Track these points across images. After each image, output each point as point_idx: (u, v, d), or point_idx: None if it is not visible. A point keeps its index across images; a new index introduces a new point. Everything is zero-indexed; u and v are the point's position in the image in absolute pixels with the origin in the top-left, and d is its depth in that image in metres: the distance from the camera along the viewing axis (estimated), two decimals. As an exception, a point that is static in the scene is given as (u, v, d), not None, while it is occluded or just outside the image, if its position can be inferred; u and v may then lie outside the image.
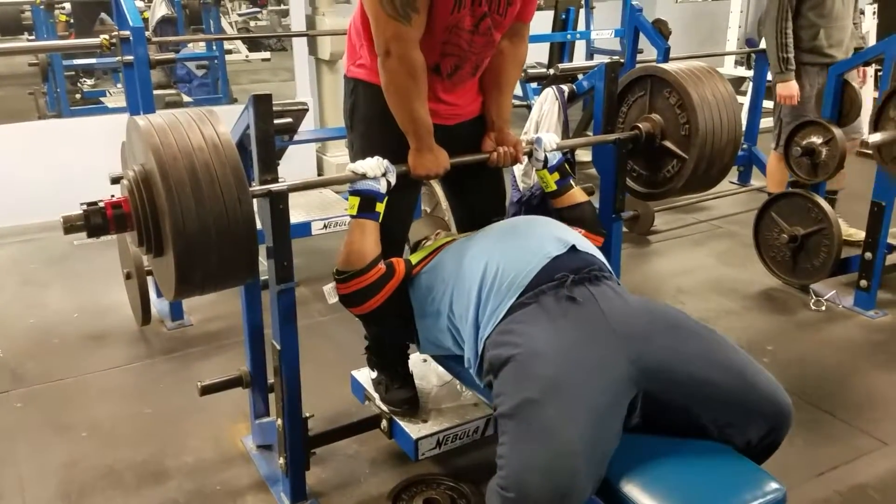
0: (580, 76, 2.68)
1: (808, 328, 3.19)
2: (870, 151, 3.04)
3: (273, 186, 1.75)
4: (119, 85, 6.88)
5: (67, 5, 7.34)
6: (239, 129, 1.91)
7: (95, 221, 1.62)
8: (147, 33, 2.95)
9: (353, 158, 1.95)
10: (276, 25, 10.03)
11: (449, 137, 1.95)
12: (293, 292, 1.87)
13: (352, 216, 1.86)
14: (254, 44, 9.16)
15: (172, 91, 6.62)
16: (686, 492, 1.48)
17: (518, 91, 6.12)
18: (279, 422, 1.99)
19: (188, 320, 3.24)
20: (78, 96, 6.80)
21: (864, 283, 3.27)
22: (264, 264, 1.86)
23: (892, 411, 2.59)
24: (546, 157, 2.08)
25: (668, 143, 2.25)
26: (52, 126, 5.32)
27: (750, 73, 6.00)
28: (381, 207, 1.86)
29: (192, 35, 7.48)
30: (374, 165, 1.83)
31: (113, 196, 1.66)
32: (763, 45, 5.09)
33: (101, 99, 6.79)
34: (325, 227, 3.33)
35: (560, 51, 6.30)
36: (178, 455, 2.37)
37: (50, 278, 3.73)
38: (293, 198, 1.82)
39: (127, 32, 2.91)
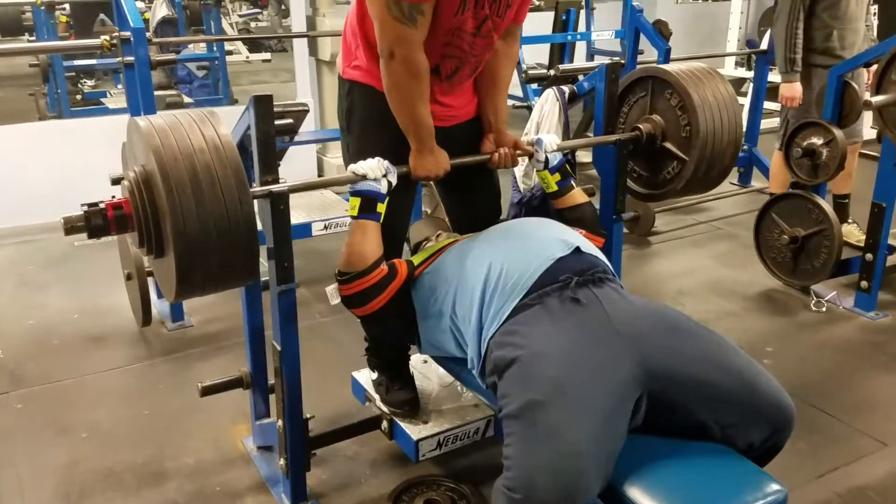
0: (581, 77, 2.69)
1: (809, 329, 3.19)
2: (872, 153, 3.03)
3: (274, 187, 1.75)
4: (119, 86, 6.88)
5: (68, 6, 7.34)
6: (240, 130, 1.91)
7: (96, 222, 1.62)
8: (147, 34, 2.95)
9: (349, 161, 1.94)
10: (276, 26, 10.04)
11: (445, 139, 1.95)
12: (294, 293, 1.87)
13: (353, 217, 1.86)
14: (254, 45, 9.16)
15: (173, 92, 6.62)
16: (686, 493, 1.48)
17: (519, 92, 6.13)
18: (280, 423, 1.99)
19: (189, 321, 3.24)
20: (78, 97, 6.81)
21: (864, 284, 3.27)
22: (265, 265, 1.86)
23: (892, 413, 2.59)
24: (547, 157, 2.08)
25: (668, 145, 2.25)
26: (52, 127, 5.32)
27: (750, 75, 6.00)
28: (382, 208, 1.86)
29: (192, 36, 7.49)
30: (374, 166, 1.83)
31: (113, 197, 1.66)
32: (764, 45, 5.12)
33: (102, 100, 6.80)
34: (325, 228, 3.33)
35: (560, 52, 6.31)
36: (178, 456, 2.37)
37: (50, 279, 3.73)
38: (294, 198, 1.82)
39: (128, 33, 2.91)
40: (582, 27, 6.50)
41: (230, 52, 8.01)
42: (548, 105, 2.50)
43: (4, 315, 3.36)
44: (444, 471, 2.25)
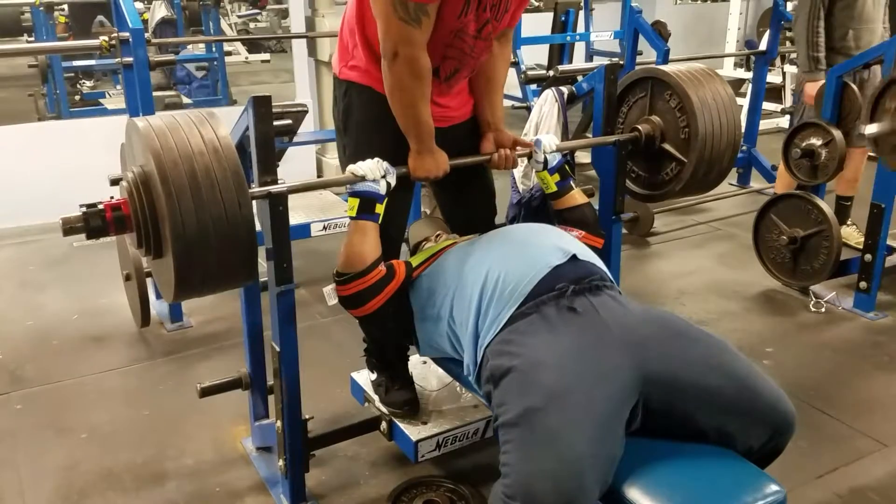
0: (580, 78, 2.69)
1: (808, 330, 3.19)
2: (871, 154, 3.03)
3: (272, 188, 1.75)
4: (118, 86, 6.89)
5: (66, 7, 7.34)
6: (238, 131, 1.90)
7: (95, 223, 1.62)
8: (146, 35, 2.95)
9: (347, 162, 1.94)
10: (275, 27, 10.04)
11: (442, 140, 1.95)
12: (293, 294, 1.87)
13: (351, 218, 1.86)
14: (253, 45, 9.17)
15: (172, 93, 6.63)
16: (685, 494, 1.48)
17: (518, 93, 6.13)
18: (279, 423, 1.99)
19: (188, 322, 3.23)
20: (77, 98, 6.81)
21: (863, 284, 3.27)
22: (264, 266, 1.86)
23: (891, 413, 2.59)
24: (546, 158, 2.08)
25: (667, 146, 2.25)
26: (51, 127, 5.33)
27: (749, 75, 6.00)
28: (380, 209, 1.86)
29: (191, 37, 7.49)
30: (373, 167, 1.83)
31: (112, 198, 1.65)
32: (762, 46, 5.12)
33: (101, 100, 6.81)
34: (324, 228, 3.33)
35: (560, 52, 6.31)
36: (177, 457, 2.37)
37: (49, 280, 3.73)
38: (293, 199, 1.82)
39: (126, 34, 2.91)
40: (581, 28, 6.51)
41: (229, 53, 8.01)
42: (547, 106, 2.50)
43: (4, 316, 3.36)
44: (444, 471, 2.25)
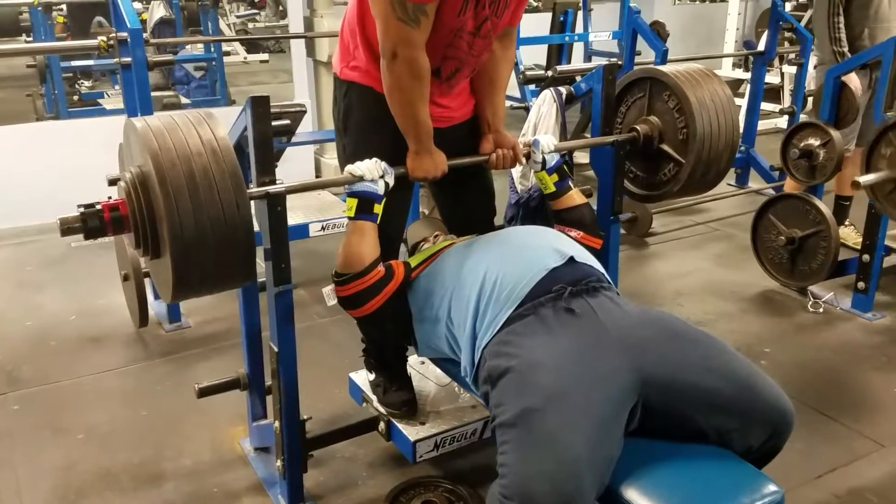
0: (578, 78, 2.68)
1: (806, 330, 3.20)
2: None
3: (271, 188, 1.74)
4: (117, 87, 6.88)
5: (65, 7, 7.34)
6: (237, 131, 1.90)
7: (92, 224, 1.61)
8: (145, 35, 2.94)
9: (346, 162, 1.93)
10: (274, 27, 10.04)
11: (442, 140, 1.95)
12: (291, 294, 1.87)
13: (350, 218, 1.86)
14: (252, 46, 9.16)
15: (170, 93, 6.62)
16: (683, 495, 1.48)
17: (516, 93, 6.13)
18: (277, 424, 1.99)
19: (186, 322, 3.23)
20: (76, 98, 6.80)
21: (861, 285, 3.28)
22: (262, 266, 1.85)
23: (889, 413, 2.59)
24: (544, 158, 2.08)
25: (665, 147, 2.25)
26: (49, 127, 5.33)
27: (748, 76, 6.00)
28: (379, 209, 1.86)
29: (190, 37, 7.49)
30: (371, 167, 1.83)
31: (110, 198, 1.65)
32: (761, 47, 5.12)
33: (99, 101, 6.79)
34: (322, 229, 3.33)
35: (558, 53, 6.31)
36: (175, 457, 2.36)
37: (47, 280, 3.72)
38: (291, 199, 1.82)
39: (125, 34, 2.90)
40: (580, 28, 6.50)
41: (228, 53, 8.01)
42: (545, 106, 2.50)
43: (2, 316, 3.35)
44: (442, 472, 2.25)
